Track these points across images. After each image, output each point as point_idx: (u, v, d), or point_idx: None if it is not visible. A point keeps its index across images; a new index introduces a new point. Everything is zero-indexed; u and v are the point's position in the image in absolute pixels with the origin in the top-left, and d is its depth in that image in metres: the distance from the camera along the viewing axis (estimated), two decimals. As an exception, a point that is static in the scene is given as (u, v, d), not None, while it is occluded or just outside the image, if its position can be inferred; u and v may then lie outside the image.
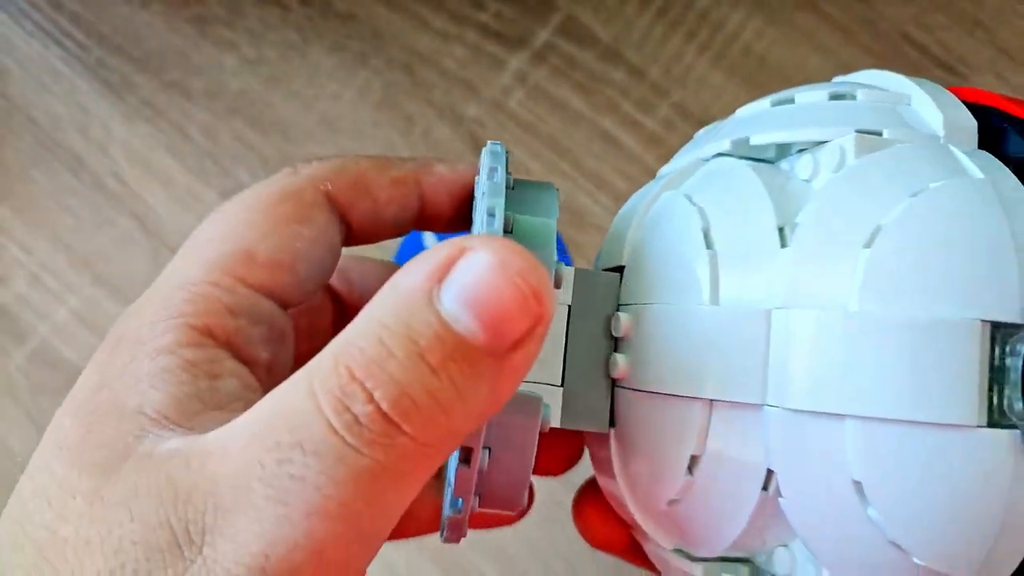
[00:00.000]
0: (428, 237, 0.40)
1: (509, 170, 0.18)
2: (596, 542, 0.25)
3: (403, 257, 0.40)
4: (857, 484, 0.16)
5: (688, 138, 0.25)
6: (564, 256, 0.39)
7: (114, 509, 0.15)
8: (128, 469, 0.15)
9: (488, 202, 0.17)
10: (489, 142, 0.19)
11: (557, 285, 0.18)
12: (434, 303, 0.14)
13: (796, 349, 0.16)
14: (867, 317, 0.16)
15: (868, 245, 0.16)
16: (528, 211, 0.17)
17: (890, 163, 0.17)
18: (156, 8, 0.42)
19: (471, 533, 0.37)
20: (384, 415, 0.14)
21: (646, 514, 0.20)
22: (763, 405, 0.17)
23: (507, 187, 0.18)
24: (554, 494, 0.37)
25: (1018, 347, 0.15)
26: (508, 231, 0.17)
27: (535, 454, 0.17)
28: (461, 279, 0.14)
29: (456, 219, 0.22)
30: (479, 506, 0.19)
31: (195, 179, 0.41)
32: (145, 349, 0.17)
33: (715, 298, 0.18)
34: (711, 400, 0.18)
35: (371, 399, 0.14)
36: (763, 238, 0.18)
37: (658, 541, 0.20)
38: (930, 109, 0.18)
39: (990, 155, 0.17)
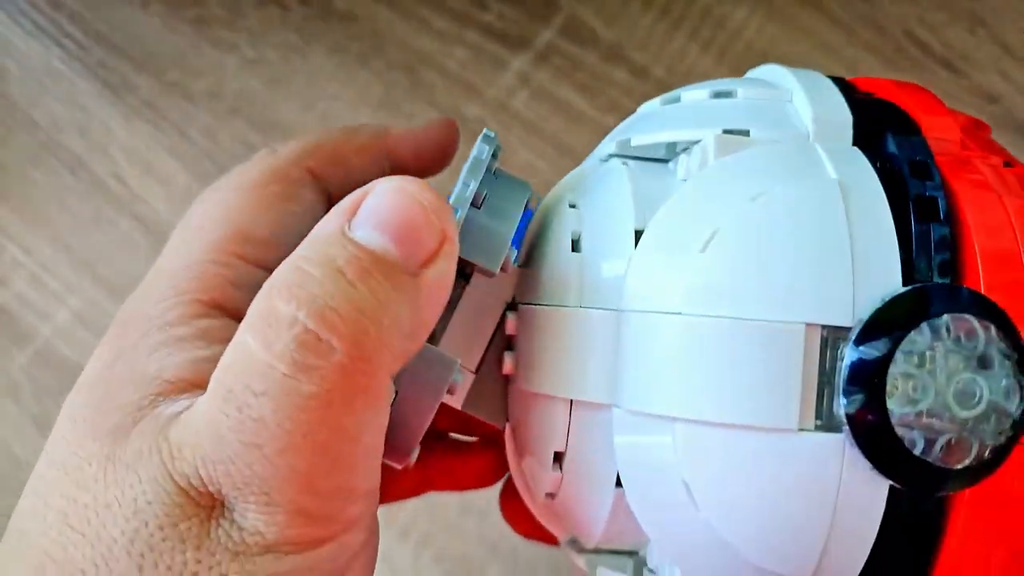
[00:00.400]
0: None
1: (496, 159, 0.19)
2: (523, 530, 0.27)
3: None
4: (686, 485, 0.16)
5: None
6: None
7: (124, 472, 0.15)
8: (136, 432, 0.16)
9: (465, 176, 0.18)
10: (485, 130, 0.19)
11: (504, 269, 0.18)
12: (347, 233, 0.15)
13: (633, 351, 0.17)
14: (693, 320, 0.16)
15: (703, 250, 0.16)
16: (494, 206, 0.18)
17: (742, 166, 0.17)
18: (156, 9, 0.42)
19: (474, 534, 0.37)
20: (313, 335, 0.14)
21: (536, 507, 0.21)
22: (612, 406, 0.17)
23: (489, 171, 0.19)
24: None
25: (844, 351, 0.15)
26: (478, 206, 0.18)
27: (434, 414, 0.17)
28: (369, 207, 0.15)
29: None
30: None
31: (195, 180, 0.40)
32: (157, 323, 0.18)
33: (579, 300, 0.18)
34: (571, 400, 0.18)
35: (296, 321, 0.14)
36: (621, 241, 0.18)
37: (554, 532, 0.21)
38: (806, 107, 0.18)
39: (860, 153, 0.17)
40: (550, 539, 0.25)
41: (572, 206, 0.19)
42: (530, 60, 0.41)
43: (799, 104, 0.18)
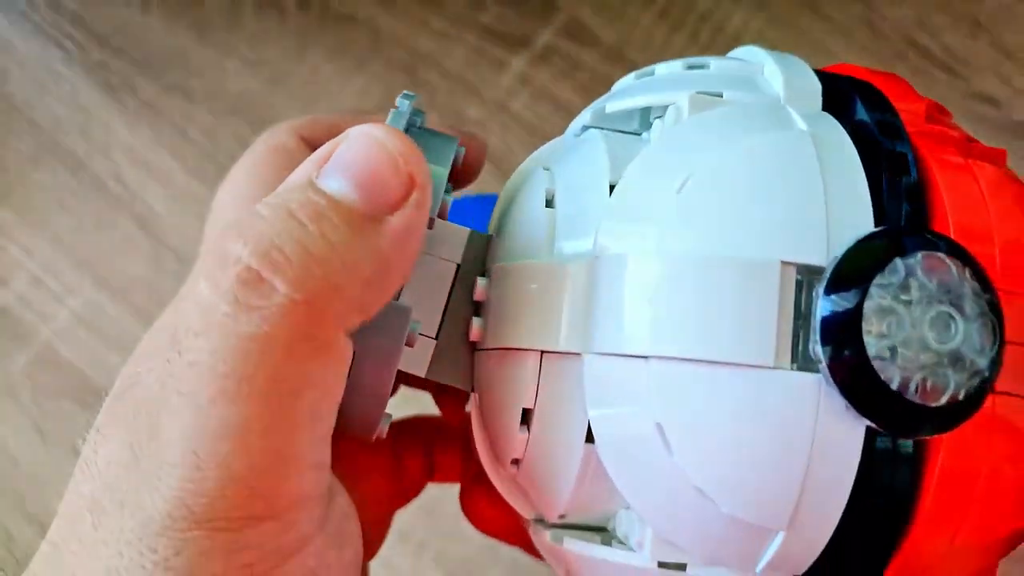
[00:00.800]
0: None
1: (421, 118, 0.19)
2: (482, 526, 0.25)
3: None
4: (659, 427, 0.16)
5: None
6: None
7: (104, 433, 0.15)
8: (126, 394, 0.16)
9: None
10: (404, 92, 0.19)
11: (442, 215, 0.18)
12: (313, 181, 0.15)
13: (606, 294, 0.17)
14: (668, 257, 0.16)
15: (679, 191, 0.16)
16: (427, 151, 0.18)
17: (717, 119, 0.17)
18: (156, 11, 0.42)
19: (475, 537, 0.37)
20: (255, 273, 0.14)
21: (501, 481, 0.20)
22: (583, 355, 0.17)
23: (414, 126, 0.19)
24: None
25: (819, 291, 0.15)
26: None
27: (394, 373, 0.17)
28: (336, 154, 0.15)
29: None
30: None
31: (195, 180, 0.40)
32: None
33: (550, 253, 0.18)
34: (541, 352, 0.18)
35: (239, 259, 0.14)
36: (595, 193, 0.18)
37: (519, 511, 0.20)
38: (777, 74, 0.18)
39: (831, 117, 0.18)
40: (512, 535, 0.25)
41: (546, 169, 0.20)
42: (529, 61, 0.41)
43: (770, 74, 0.19)
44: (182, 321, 0.14)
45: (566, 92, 0.41)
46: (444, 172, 0.18)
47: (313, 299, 0.14)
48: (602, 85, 0.41)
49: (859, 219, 0.16)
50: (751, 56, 0.20)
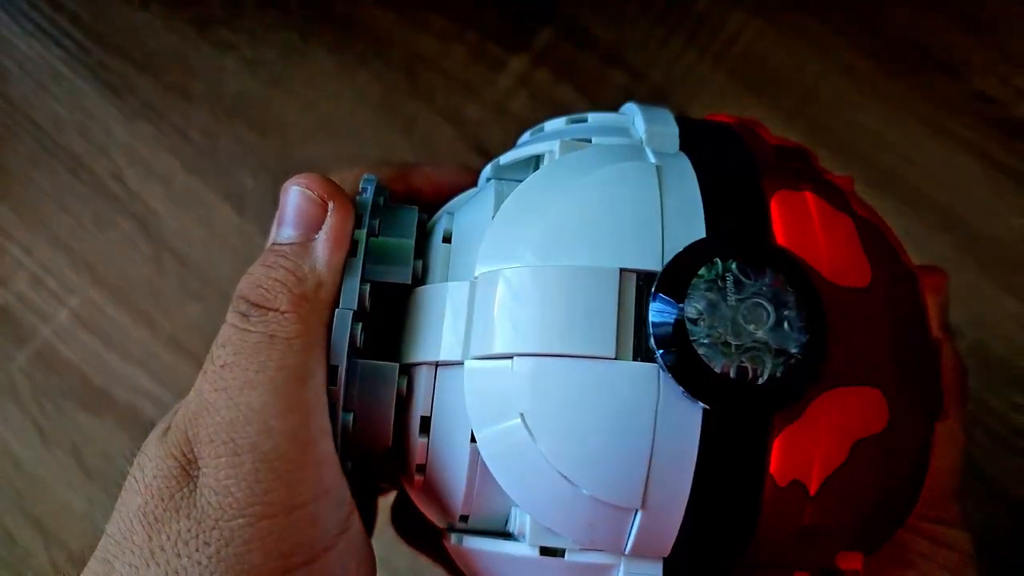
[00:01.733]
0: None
1: (383, 196, 0.23)
2: (410, 541, 0.29)
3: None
4: (523, 417, 0.18)
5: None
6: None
7: (140, 456, 0.20)
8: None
9: (357, 210, 0.21)
10: (364, 175, 0.23)
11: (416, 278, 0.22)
12: (272, 239, 0.21)
13: (481, 306, 0.19)
14: (529, 269, 0.19)
15: (542, 216, 0.19)
16: (390, 230, 0.22)
17: (580, 158, 0.20)
18: (156, 9, 0.42)
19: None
20: (249, 302, 0.20)
21: (415, 492, 0.22)
22: (464, 361, 0.19)
23: (380, 205, 0.22)
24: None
25: (652, 291, 0.18)
26: (376, 235, 0.22)
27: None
28: (279, 212, 0.21)
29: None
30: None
31: (195, 180, 0.41)
32: None
33: (444, 278, 0.21)
34: (436, 364, 0.20)
35: (241, 297, 0.20)
36: (480, 226, 0.21)
37: (433, 520, 0.23)
38: (640, 122, 0.21)
39: (683, 155, 0.20)
40: (432, 552, 0.27)
41: (450, 213, 0.23)
42: (529, 61, 0.41)
43: (637, 123, 0.22)
44: (214, 346, 0.20)
45: (565, 92, 0.41)
46: (410, 243, 0.22)
47: (290, 308, 0.20)
48: (600, 86, 0.41)
49: (692, 232, 0.18)
50: (629, 111, 0.23)
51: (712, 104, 0.40)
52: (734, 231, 0.19)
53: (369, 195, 0.22)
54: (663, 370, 0.17)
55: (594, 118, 0.22)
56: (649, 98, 0.41)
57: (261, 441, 0.18)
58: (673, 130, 0.21)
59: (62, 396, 0.39)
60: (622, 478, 0.18)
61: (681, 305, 0.18)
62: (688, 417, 0.17)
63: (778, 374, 0.17)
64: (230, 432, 0.18)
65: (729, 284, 0.18)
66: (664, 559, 0.19)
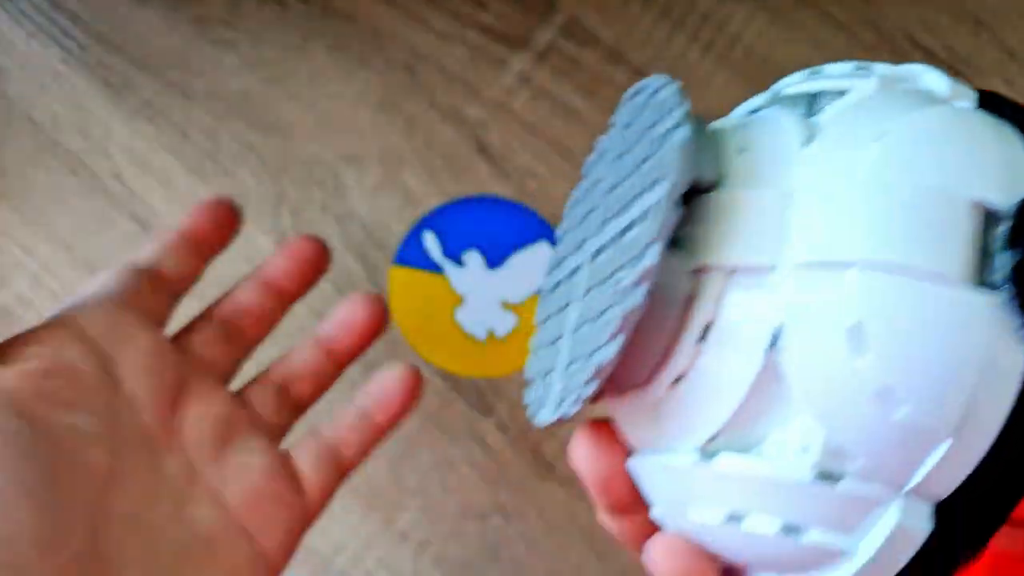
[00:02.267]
0: (428, 236, 0.40)
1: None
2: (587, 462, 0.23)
3: (404, 256, 0.39)
4: (854, 329, 0.17)
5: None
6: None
7: None
8: None
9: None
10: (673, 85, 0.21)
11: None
12: None
13: (807, 209, 0.18)
14: (875, 182, 0.18)
15: (878, 139, 0.18)
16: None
17: (903, 94, 0.20)
18: (156, 8, 0.42)
19: (475, 539, 0.37)
20: None
21: (637, 410, 0.21)
22: (775, 266, 0.19)
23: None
24: (566, 504, 0.38)
25: (1001, 227, 0.18)
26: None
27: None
28: None
29: None
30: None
31: (195, 179, 0.40)
32: None
33: (745, 187, 0.20)
34: (732, 269, 0.19)
35: None
36: (788, 143, 0.20)
37: (642, 443, 0.21)
38: (936, 79, 0.21)
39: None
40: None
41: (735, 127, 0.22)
42: (530, 60, 0.41)
43: (931, 79, 0.21)
44: None
45: (566, 92, 0.41)
46: (716, 143, 0.21)
47: None
48: (602, 85, 0.41)
49: None
50: (911, 71, 0.22)
51: (714, 102, 0.40)
52: None
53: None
54: (1008, 302, 0.17)
55: (882, 68, 0.22)
56: (651, 97, 0.40)
57: None
58: (973, 92, 0.21)
59: (61, 396, 0.38)
60: (944, 402, 0.17)
61: None
62: (1017, 357, 0.17)
63: None
64: None
65: None
66: (937, 503, 0.18)
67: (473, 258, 0.39)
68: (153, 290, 0.28)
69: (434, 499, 0.37)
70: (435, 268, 0.39)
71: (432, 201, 0.40)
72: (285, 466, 0.26)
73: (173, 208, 0.40)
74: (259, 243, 0.39)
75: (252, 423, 0.27)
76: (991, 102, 0.20)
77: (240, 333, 0.29)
